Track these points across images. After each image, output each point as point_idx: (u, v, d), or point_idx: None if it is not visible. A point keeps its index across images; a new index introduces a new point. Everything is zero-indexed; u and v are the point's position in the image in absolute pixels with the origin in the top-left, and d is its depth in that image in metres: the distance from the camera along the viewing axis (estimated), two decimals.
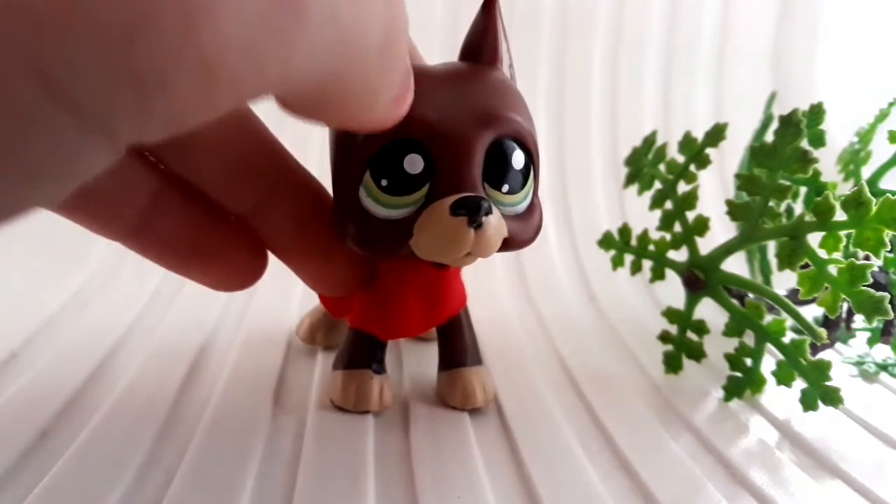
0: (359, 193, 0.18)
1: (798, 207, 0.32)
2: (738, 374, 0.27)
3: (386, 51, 0.13)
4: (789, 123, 0.24)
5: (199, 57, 0.09)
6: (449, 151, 0.17)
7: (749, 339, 0.27)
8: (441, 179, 0.18)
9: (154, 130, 0.10)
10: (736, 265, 0.41)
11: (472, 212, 0.17)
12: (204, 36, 0.09)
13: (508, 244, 0.19)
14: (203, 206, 0.21)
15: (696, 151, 0.28)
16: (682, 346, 0.29)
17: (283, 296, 0.35)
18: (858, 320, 0.33)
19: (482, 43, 0.20)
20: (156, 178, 0.20)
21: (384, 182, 0.18)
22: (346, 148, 0.18)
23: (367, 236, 0.18)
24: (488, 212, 0.17)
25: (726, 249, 0.27)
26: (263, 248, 0.21)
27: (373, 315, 0.24)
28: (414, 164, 0.18)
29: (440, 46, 0.50)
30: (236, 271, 0.22)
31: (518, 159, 0.18)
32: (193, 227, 0.21)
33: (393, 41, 0.13)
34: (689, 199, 0.29)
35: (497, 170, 0.18)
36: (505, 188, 0.18)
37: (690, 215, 0.29)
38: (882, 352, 0.33)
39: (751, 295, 0.28)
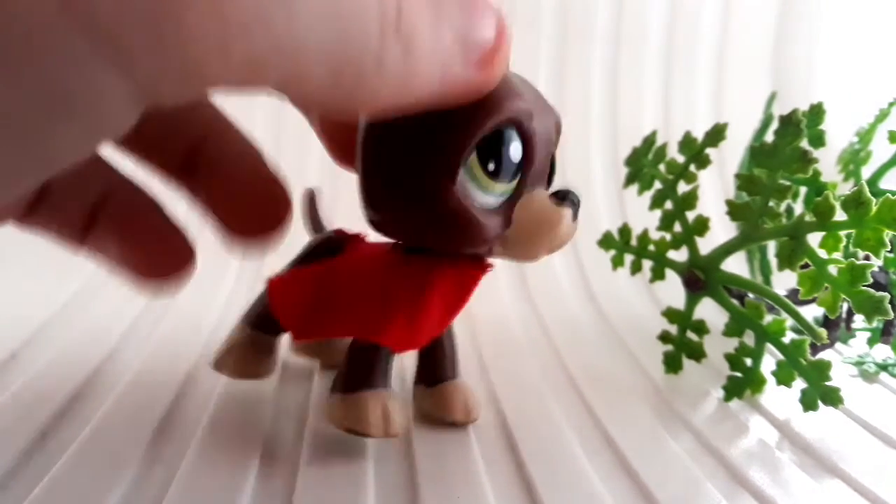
0: (458, 176, 0.17)
1: (798, 207, 0.32)
2: (738, 374, 0.27)
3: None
4: (789, 123, 0.24)
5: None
6: (541, 146, 0.18)
7: (749, 339, 0.27)
8: (529, 171, 0.18)
9: (168, 74, 0.09)
10: (736, 265, 0.41)
11: (576, 205, 0.19)
12: None
13: None
14: (145, 201, 0.19)
15: (696, 151, 0.28)
16: (682, 346, 0.29)
17: None
18: (858, 320, 0.33)
19: None
20: (108, 176, 0.19)
21: (491, 166, 0.17)
22: (438, 138, 0.17)
23: (463, 222, 0.17)
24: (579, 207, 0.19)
25: (726, 249, 0.27)
26: (192, 248, 0.19)
27: (391, 322, 0.20)
28: (517, 151, 0.18)
29: None
30: (163, 264, 0.19)
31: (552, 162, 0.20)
32: (133, 221, 0.19)
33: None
34: (689, 199, 0.29)
35: (552, 169, 0.20)
36: (551, 189, 0.19)
37: (690, 215, 0.29)
38: (882, 352, 0.33)
39: (751, 295, 0.28)
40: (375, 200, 0.19)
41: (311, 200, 0.29)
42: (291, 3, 0.10)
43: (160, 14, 0.09)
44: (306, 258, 0.24)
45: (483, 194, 0.18)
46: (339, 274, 0.22)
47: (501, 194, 0.18)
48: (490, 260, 0.21)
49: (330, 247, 0.24)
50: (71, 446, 0.21)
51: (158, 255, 0.19)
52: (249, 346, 0.24)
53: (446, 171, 0.17)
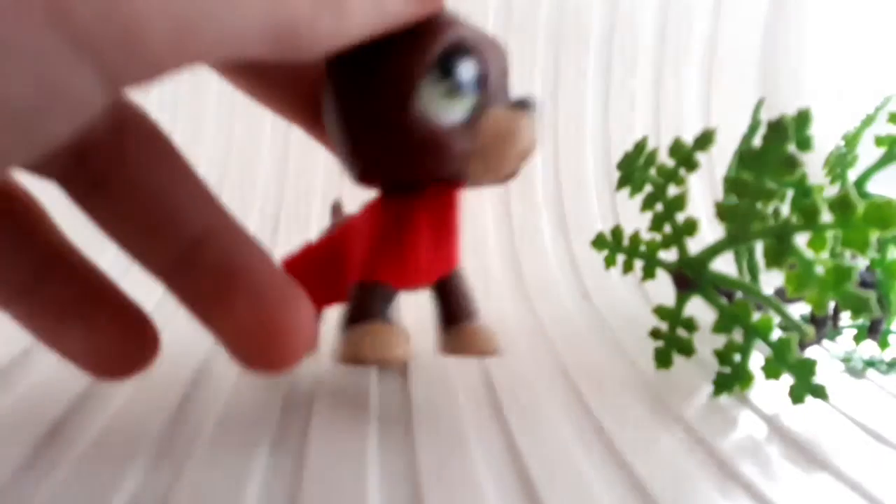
0: (416, 104, 0.18)
1: (785, 210, 0.32)
2: (727, 370, 0.28)
3: None
4: (776, 128, 0.25)
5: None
6: (492, 62, 0.19)
7: (738, 336, 0.28)
8: (487, 87, 0.19)
9: (133, 68, 0.11)
10: (725, 265, 0.42)
11: (532, 107, 0.19)
12: None
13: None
14: (86, 275, 0.19)
15: (686, 156, 0.29)
16: (672, 342, 0.29)
17: None
18: (845, 317, 0.34)
19: None
20: (44, 240, 0.19)
21: (447, 84, 0.18)
22: (393, 65, 0.18)
23: (430, 145, 0.18)
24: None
25: (715, 250, 0.27)
26: (151, 327, 0.19)
27: (383, 261, 0.22)
28: (471, 68, 0.18)
29: None
30: (114, 350, 0.19)
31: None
32: (71, 297, 0.18)
33: None
34: (679, 202, 0.29)
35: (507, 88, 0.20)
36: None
37: (680, 217, 0.29)
38: (869, 348, 0.33)
39: (739, 293, 0.29)
40: (347, 148, 0.19)
41: (336, 210, 0.30)
42: None
43: (119, 9, 0.10)
44: None
45: (445, 112, 0.18)
46: (337, 240, 0.24)
47: (463, 110, 0.19)
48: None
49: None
50: (80, 444, 0.21)
51: (108, 347, 0.18)
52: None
53: (404, 97, 0.18)
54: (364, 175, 0.20)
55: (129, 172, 0.18)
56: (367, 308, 0.21)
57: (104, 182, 0.18)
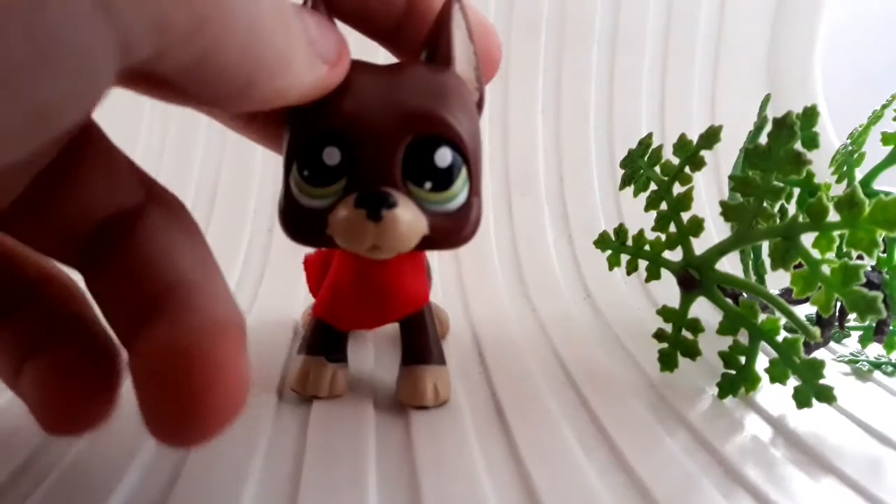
0: (290, 184, 0.19)
1: (792, 208, 0.32)
2: (732, 372, 0.27)
3: (277, 10, 0.14)
4: (783, 126, 0.25)
5: None
6: (366, 147, 0.18)
7: (743, 337, 0.27)
8: (357, 173, 0.18)
9: (144, 28, 0.11)
10: (730, 265, 0.42)
11: (372, 205, 0.17)
12: None
13: (435, 241, 0.19)
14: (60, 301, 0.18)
15: (691, 153, 0.29)
16: (677, 344, 0.29)
17: (288, 290, 0.35)
18: (852, 319, 0.34)
19: (437, 45, 0.20)
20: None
21: (305, 173, 0.18)
22: (285, 142, 0.19)
23: (293, 224, 0.19)
24: (391, 205, 0.18)
25: (720, 250, 0.27)
26: (117, 364, 0.17)
27: (327, 305, 0.25)
28: (332, 156, 0.18)
29: None
30: (74, 386, 0.16)
31: (443, 157, 0.19)
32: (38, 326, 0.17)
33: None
34: (684, 201, 0.29)
35: (418, 167, 0.18)
36: (427, 185, 0.19)
37: (685, 216, 0.29)
38: (875, 350, 0.33)
39: (745, 294, 0.28)
40: None
41: None
42: None
43: None
44: None
45: (306, 198, 0.19)
46: (330, 253, 0.26)
47: (327, 197, 0.19)
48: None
49: None
50: (76, 444, 0.21)
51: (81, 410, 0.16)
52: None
53: (287, 172, 0.19)
54: None
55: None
56: (316, 343, 0.25)
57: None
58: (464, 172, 0.19)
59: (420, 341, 0.25)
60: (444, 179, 0.19)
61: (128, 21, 0.11)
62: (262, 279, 0.38)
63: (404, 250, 0.19)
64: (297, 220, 0.19)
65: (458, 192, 0.19)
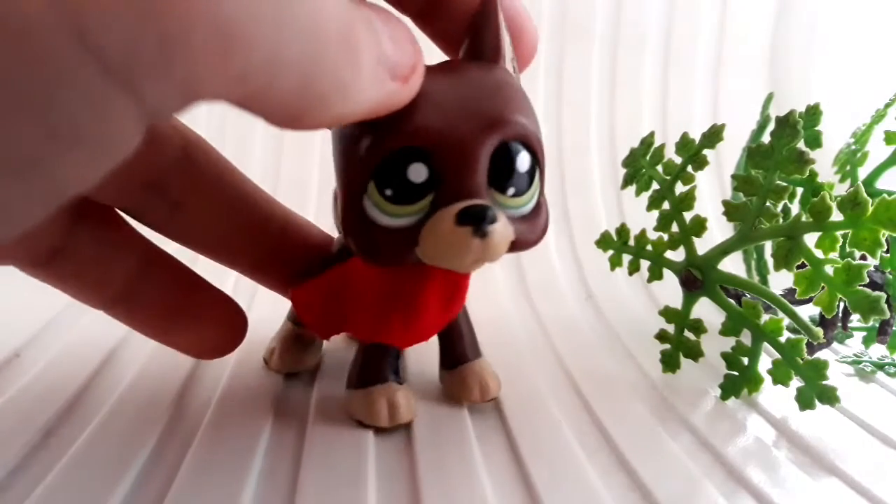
0: (363, 203, 0.18)
1: (795, 208, 0.32)
2: (735, 373, 0.27)
3: (348, 29, 0.13)
4: (786, 124, 0.25)
5: (218, 16, 0.10)
6: (453, 160, 0.17)
7: (746, 338, 0.27)
8: (446, 187, 0.17)
9: (174, 94, 0.10)
10: (733, 265, 0.41)
11: (478, 221, 0.17)
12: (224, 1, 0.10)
13: (515, 246, 0.19)
14: (185, 275, 0.22)
15: (694, 152, 0.28)
16: (679, 345, 0.29)
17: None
18: (855, 319, 0.33)
19: (483, 40, 0.19)
20: (141, 249, 0.21)
21: (388, 192, 0.17)
22: (350, 158, 0.18)
23: (375, 247, 0.18)
24: (493, 220, 0.17)
25: (723, 250, 0.27)
26: (241, 313, 0.23)
27: (388, 324, 0.23)
28: (418, 173, 0.17)
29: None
30: (217, 338, 0.23)
31: (523, 161, 0.18)
32: (176, 297, 0.22)
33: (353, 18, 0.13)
34: (687, 200, 0.29)
35: (502, 174, 0.18)
36: (511, 191, 0.18)
37: (688, 216, 0.29)
38: (878, 351, 0.33)
39: (747, 294, 0.28)
40: (336, 216, 0.20)
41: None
42: (280, 19, 0.11)
43: (168, 38, 0.09)
44: (333, 259, 0.24)
45: (388, 217, 0.18)
46: (348, 278, 0.23)
47: (412, 214, 0.18)
48: None
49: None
50: (74, 445, 0.21)
51: (222, 340, 0.23)
52: (293, 341, 0.27)
53: (356, 191, 0.18)
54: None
55: (203, 190, 0.21)
56: (378, 370, 0.23)
57: (182, 204, 0.21)
58: (537, 175, 0.19)
59: (465, 339, 0.25)
60: (525, 183, 0.19)
61: (153, 93, 0.10)
62: (257, 291, 0.38)
63: (497, 260, 0.18)
64: (380, 242, 0.18)
65: (534, 195, 0.19)
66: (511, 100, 0.18)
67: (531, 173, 0.19)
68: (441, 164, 0.17)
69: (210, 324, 0.23)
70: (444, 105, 0.17)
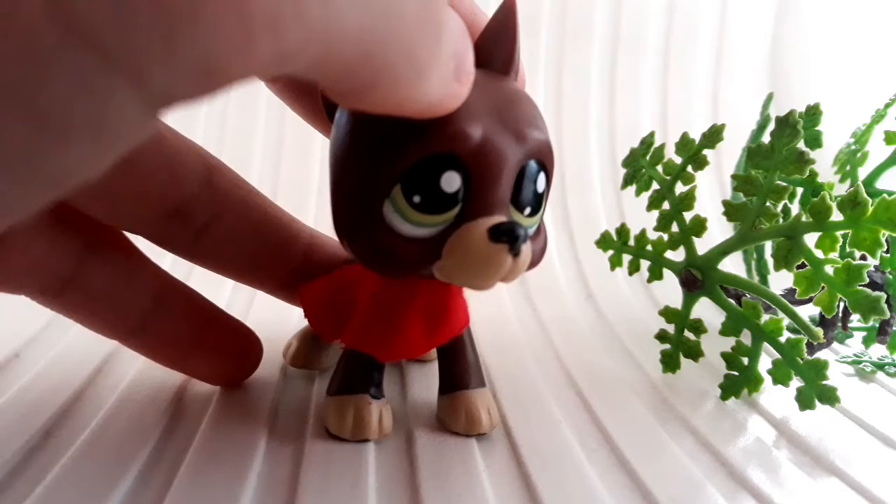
0: (383, 208, 0.17)
1: (795, 208, 0.32)
2: (735, 373, 0.27)
3: (425, 9, 0.12)
4: (786, 124, 0.25)
5: None
6: (488, 172, 0.17)
7: (746, 338, 0.27)
8: (475, 200, 0.17)
9: (185, 77, 0.09)
10: (733, 265, 0.42)
11: (513, 239, 0.16)
12: None
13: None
14: (199, 305, 0.23)
15: (694, 153, 0.28)
16: (679, 345, 0.29)
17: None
18: (855, 319, 0.33)
19: (500, 50, 0.18)
20: (158, 281, 0.21)
21: (416, 199, 0.17)
22: (372, 158, 0.17)
23: (387, 254, 0.17)
24: (526, 239, 0.17)
25: (723, 250, 0.27)
26: (257, 341, 0.24)
27: (371, 334, 0.22)
28: (451, 182, 0.16)
29: None
30: (232, 367, 0.24)
31: (541, 182, 0.18)
32: (190, 328, 0.22)
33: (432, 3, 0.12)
34: (687, 200, 0.29)
35: (523, 192, 0.18)
36: (527, 211, 0.18)
37: (688, 216, 0.29)
38: (878, 351, 0.33)
39: (748, 294, 0.28)
40: (335, 222, 0.18)
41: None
42: None
43: (171, 16, 0.08)
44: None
45: (412, 226, 0.17)
46: (347, 282, 0.23)
47: (436, 225, 0.17)
48: None
49: None
50: (74, 446, 0.21)
51: (237, 368, 0.24)
52: (311, 340, 0.26)
53: (375, 197, 0.17)
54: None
55: (228, 216, 0.22)
56: (354, 379, 0.22)
57: (206, 230, 0.21)
58: (544, 196, 0.19)
59: (463, 364, 0.23)
60: (539, 204, 0.18)
61: (156, 75, 0.09)
62: (255, 294, 0.38)
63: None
64: (399, 251, 0.17)
65: (541, 217, 0.19)
66: (534, 116, 0.18)
67: (544, 194, 0.18)
68: (476, 175, 0.17)
69: (225, 354, 0.23)
70: (483, 117, 0.16)
